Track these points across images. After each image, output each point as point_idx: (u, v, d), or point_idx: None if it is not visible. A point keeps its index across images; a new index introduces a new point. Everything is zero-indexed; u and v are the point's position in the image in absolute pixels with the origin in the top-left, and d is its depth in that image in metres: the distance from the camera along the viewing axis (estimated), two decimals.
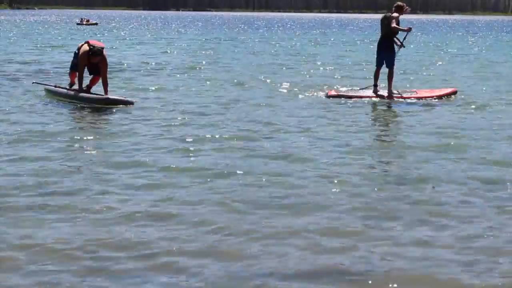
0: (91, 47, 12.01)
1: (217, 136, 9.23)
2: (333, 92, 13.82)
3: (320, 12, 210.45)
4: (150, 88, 14.61)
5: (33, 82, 12.76)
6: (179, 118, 10.73)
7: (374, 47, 14.92)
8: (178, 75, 17.70)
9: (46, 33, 42.76)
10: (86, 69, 12.30)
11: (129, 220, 5.75)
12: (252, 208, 6.12)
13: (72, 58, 12.72)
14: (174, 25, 68.29)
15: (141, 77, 17.07)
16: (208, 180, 7.00)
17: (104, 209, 6.03)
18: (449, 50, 30.66)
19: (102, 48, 12.15)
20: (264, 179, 7.06)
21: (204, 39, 38.21)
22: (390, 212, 6.11)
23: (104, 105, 11.69)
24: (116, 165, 7.61)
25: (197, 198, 6.38)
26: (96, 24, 61.31)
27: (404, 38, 13.51)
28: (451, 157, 8.27)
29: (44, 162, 7.69)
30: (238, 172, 7.33)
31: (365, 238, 5.44)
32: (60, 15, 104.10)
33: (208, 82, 16.00)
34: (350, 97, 13.42)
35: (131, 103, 11.91)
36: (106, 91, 12.16)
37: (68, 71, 12.96)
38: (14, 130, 9.52)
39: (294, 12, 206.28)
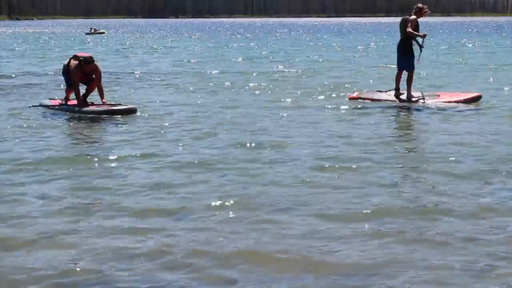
0: (81, 58, 12.01)
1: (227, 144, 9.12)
2: (354, 95, 13.91)
3: (318, 16, 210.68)
4: (154, 97, 14.40)
5: (29, 106, 12.45)
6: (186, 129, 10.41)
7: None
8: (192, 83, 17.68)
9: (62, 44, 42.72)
10: (81, 84, 12.16)
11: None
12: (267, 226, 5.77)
13: (64, 78, 12.34)
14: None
15: (145, 87, 16.90)
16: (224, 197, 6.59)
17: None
18: (465, 53, 29.62)
19: (91, 57, 12.16)
20: (279, 192, 6.76)
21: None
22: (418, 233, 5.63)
23: (108, 115, 11.64)
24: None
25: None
26: (103, 33, 60.97)
27: (423, 41, 13.42)
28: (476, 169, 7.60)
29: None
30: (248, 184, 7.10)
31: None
32: (59, 26, 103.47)
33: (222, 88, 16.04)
34: (371, 100, 13.45)
35: (134, 110, 11.87)
36: (102, 97, 12.16)
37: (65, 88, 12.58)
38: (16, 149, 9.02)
39: (293, 17, 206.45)
